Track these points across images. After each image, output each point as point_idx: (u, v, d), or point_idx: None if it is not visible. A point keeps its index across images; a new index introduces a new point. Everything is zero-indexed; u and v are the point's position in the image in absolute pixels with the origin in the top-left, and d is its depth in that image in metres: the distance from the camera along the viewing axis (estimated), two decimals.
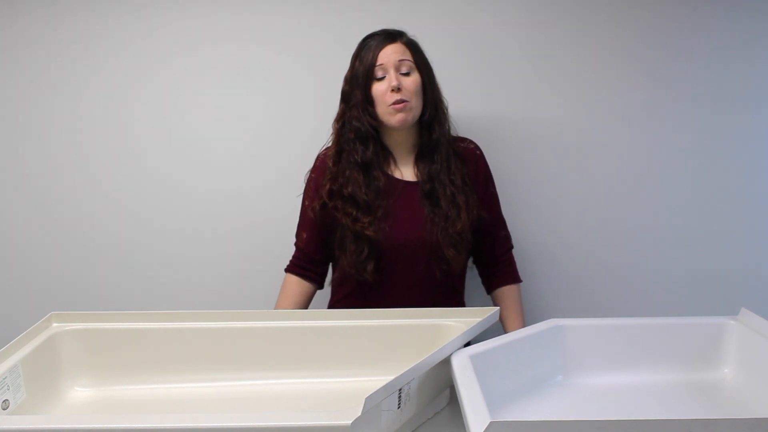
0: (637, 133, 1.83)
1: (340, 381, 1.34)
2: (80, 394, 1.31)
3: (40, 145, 1.85)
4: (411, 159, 1.58)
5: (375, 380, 1.20)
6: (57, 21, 1.79)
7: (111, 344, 1.34)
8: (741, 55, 1.81)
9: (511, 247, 1.69)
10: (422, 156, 1.57)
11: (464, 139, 1.64)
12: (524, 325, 1.58)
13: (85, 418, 1.15)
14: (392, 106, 1.48)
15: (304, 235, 1.61)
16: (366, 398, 0.99)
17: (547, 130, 1.83)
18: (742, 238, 1.87)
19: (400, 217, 1.53)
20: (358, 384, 1.32)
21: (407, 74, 1.49)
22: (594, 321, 1.37)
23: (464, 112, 1.69)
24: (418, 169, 1.57)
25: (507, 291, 1.65)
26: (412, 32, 1.55)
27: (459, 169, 1.57)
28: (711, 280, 1.88)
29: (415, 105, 1.50)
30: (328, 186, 1.54)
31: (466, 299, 1.69)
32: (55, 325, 1.34)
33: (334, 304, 1.65)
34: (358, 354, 1.35)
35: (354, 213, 1.51)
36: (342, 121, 1.55)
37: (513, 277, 1.67)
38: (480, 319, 1.32)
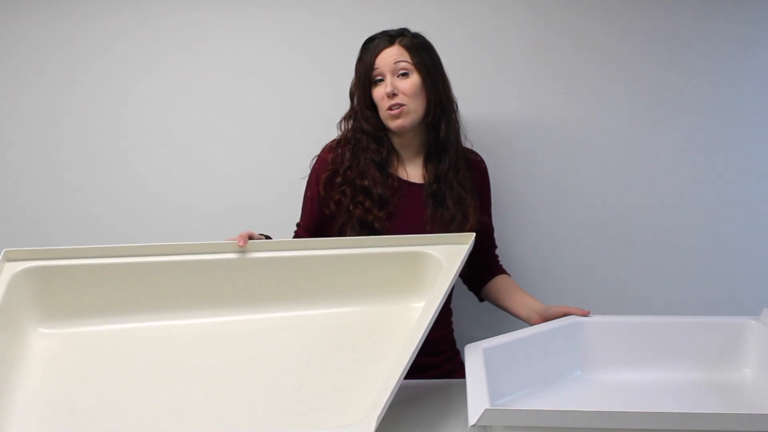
0: (647, 133, 1.82)
1: (325, 312, 1.34)
2: (46, 335, 1.28)
3: (39, 145, 1.86)
4: (419, 160, 1.58)
5: (360, 310, 1.25)
6: (59, 23, 1.81)
7: (73, 282, 1.30)
8: (748, 55, 1.79)
9: (496, 247, 1.68)
10: (431, 157, 1.56)
11: (472, 151, 1.64)
12: (534, 298, 1.53)
13: None
14: (388, 112, 1.49)
15: (303, 224, 1.60)
16: (377, 415, 1.02)
17: (554, 132, 1.83)
18: (760, 239, 1.84)
19: (402, 217, 1.53)
20: (344, 317, 1.34)
21: (405, 75, 1.48)
22: (613, 318, 1.39)
23: (469, 115, 1.69)
24: (426, 171, 1.56)
25: (500, 279, 1.62)
26: (419, 31, 1.54)
27: (466, 173, 1.56)
28: (730, 282, 1.85)
29: (415, 107, 1.49)
30: (341, 172, 1.53)
31: (452, 307, 1.66)
32: (8, 264, 1.29)
33: None
34: (340, 284, 1.35)
35: (366, 204, 1.50)
36: (352, 122, 1.56)
37: (502, 270, 1.66)
38: (465, 245, 1.35)
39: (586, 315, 1.40)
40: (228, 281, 1.36)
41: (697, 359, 1.34)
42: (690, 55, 1.80)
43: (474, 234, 1.39)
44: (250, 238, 1.39)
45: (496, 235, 1.68)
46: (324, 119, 1.62)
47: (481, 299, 1.68)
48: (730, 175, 1.84)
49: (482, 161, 1.64)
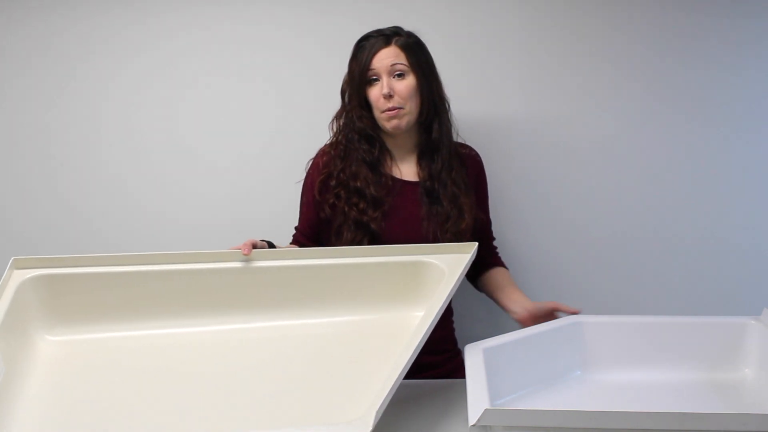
0: (645, 131, 1.83)
1: (327, 321, 1.36)
2: (53, 342, 1.30)
3: (46, 153, 1.88)
4: (413, 159, 1.59)
5: (363, 319, 1.26)
6: (62, 25, 1.82)
7: (79, 289, 1.32)
8: (749, 55, 1.80)
9: (494, 239, 1.70)
10: (424, 156, 1.57)
11: (466, 146, 1.66)
12: (526, 296, 1.54)
13: None
14: (385, 113, 1.50)
15: (301, 228, 1.62)
16: (375, 412, 1.03)
17: (549, 129, 1.83)
18: (760, 239, 1.85)
19: (398, 215, 1.54)
20: (346, 325, 1.35)
21: (401, 76, 1.49)
22: (614, 318, 1.39)
23: (465, 114, 1.70)
24: (420, 169, 1.57)
25: (496, 273, 1.63)
26: (411, 29, 1.54)
27: (460, 171, 1.58)
28: (730, 282, 1.85)
29: (410, 109, 1.51)
30: (335, 175, 1.54)
31: (454, 306, 1.68)
32: (16, 272, 1.31)
33: None
34: (343, 293, 1.37)
35: (361, 205, 1.51)
36: (343, 120, 1.56)
37: (500, 262, 1.67)
38: (467, 255, 1.36)
39: (576, 314, 1.41)
40: (232, 289, 1.37)
41: (697, 359, 1.35)
42: (688, 53, 1.81)
43: (476, 244, 1.40)
44: (254, 246, 1.40)
45: (492, 229, 1.70)
46: (325, 120, 1.62)
47: (478, 288, 1.70)
48: (730, 174, 1.85)
49: (477, 155, 1.66)
